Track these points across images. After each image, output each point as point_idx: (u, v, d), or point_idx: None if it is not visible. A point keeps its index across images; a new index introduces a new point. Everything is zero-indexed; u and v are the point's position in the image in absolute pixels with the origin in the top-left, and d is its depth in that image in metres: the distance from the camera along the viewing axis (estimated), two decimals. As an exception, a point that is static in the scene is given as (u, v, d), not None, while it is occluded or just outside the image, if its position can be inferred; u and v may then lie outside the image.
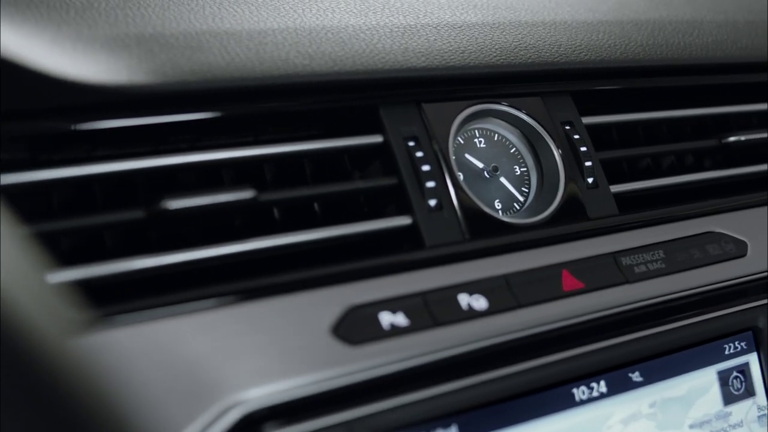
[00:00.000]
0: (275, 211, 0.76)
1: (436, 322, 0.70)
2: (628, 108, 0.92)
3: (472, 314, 0.72)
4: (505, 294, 0.73)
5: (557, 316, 0.74)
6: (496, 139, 0.82)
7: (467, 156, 0.80)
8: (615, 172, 0.89)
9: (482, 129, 0.82)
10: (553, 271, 0.76)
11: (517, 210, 0.81)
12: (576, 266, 0.77)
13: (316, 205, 0.77)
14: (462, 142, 0.81)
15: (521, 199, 0.81)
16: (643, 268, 0.79)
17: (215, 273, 0.70)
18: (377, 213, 0.77)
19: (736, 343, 0.83)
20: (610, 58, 0.86)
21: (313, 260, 0.73)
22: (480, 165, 0.80)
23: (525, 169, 0.83)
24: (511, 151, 0.83)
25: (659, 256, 0.81)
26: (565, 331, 0.74)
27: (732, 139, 0.92)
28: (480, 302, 0.72)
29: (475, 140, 0.81)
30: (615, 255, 0.79)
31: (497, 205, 0.80)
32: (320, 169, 0.79)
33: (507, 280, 0.74)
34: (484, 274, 0.74)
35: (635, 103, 0.94)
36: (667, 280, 0.80)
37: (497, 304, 0.73)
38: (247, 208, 0.71)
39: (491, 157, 0.81)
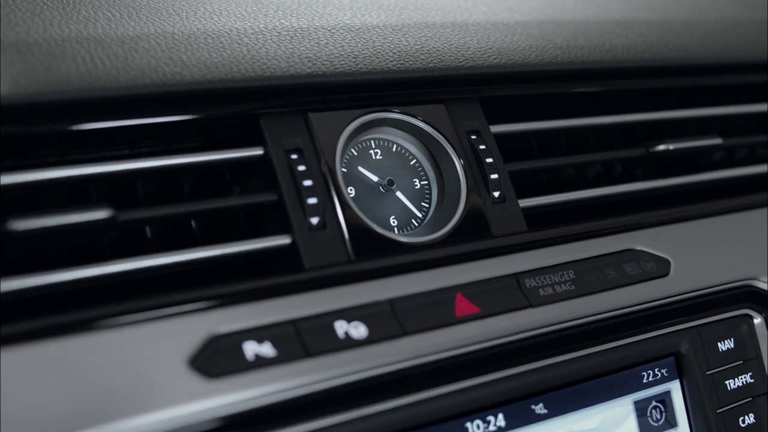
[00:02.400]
0: (147, 230, 0.71)
1: (308, 353, 0.64)
2: (558, 115, 0.86)
3: (349, 343, 0.66)
4: (389, 320, 0.67)
5: (448, 344, 0.68)
6: (394, 150, 0.76)
7: (360, 169, 0.74)
8: (534, 185, 0.83)
9: (379, 139, 0.76)
10: (446, 294, 0.70)
11: (416, 227, 0.75)
12: (472, 289, 0.71)
13: (193, 224, 0.72)
14: (355, 153, 0.75)
15: (419, 215, 0.75)
16: (549, 290, 0.73)
17: (74, 298, 0.65)
18: (260, 232, 0.72)
19: (656, 370, 0.76)
20: (523, 62, 0.80)
21: (185, 283, 0.68)
22: (374, 178, 0.74)
23: (426, 182, 0.77)
24: (411, 162, 0.77)
25: (569, 277, 0.74)
26: (457, 360, 0.68)
27: (661, 147, 0.85)
28: (359, 330, 0.67)
29: (371, 152, 0.75)
30: (518, 276, 0.72)
31: (393, 221, 0.74)
32: (202, 184, 0.74)
33: (392, 305, 0.68)
34: (367, 299, 0.68)
35: (567, 110, 0.88)
36: (575, 303, 0.73)
37: (378, 332, 0.67)
38: (105, 229, 0.65)
39: (388, 170, 0.75)
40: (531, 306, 0.72)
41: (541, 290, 0.73)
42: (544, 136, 0.83)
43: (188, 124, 0.71)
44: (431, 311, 0.69)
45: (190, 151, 0.71)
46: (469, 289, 0.71)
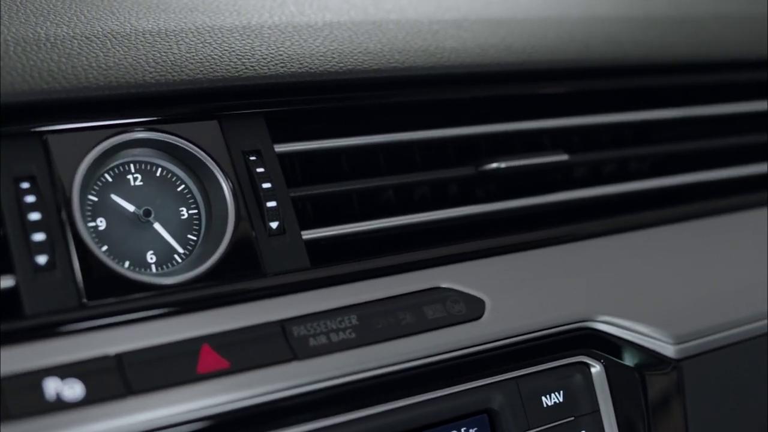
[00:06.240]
0: None
1: (9, 415, 0.56)
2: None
3: (59, 405, 0.56)
4: (113, 378, 0.57)
5: (185, 405, 0.58)
6: (158, 174, 0.66)
7: (114, 197, 0.65)
8: (349, 212, 0.72)
9: (140, 162, 0.66)
10: (189, 346, 0.59)
11: (178, 264, 0.65)
12: (224, 339, 0.60)
13: None
14: (110, 179, 0.65)
15: (180, 250, 0.65)
16: (322, 339, 0.62)
17: None
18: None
19: (462, 430, 0.65)
20: (319, 70, 0.69)
21: None
22: (130, 208, 0.65)
23: (195, 211, 0.67)
24: (179, 188, 0.67)
25: (350, 323, 0.63)
26: (194, 427, 0.58)
27: (492, 166, 0.73)
28: (74, 390, 0.57)
29: (129, 177, 0.65)
30: (284, 323, 0.62)
31: (150, 258, 0.64)
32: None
33: (119, 360, 0.58)
34: (91, 353, 0.58)
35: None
36: (355, 354, 0.62)
37: (98, 392, 0.57)
38: None
39: (149, 198, 0.65)
40: (296, 359, 0.61)
41: (311, 339, 0.62)
42: (355, 155, 0.72)
43: None
44: (168, 366, 0.59)
45: None
46: (219, 339, 0.60)
